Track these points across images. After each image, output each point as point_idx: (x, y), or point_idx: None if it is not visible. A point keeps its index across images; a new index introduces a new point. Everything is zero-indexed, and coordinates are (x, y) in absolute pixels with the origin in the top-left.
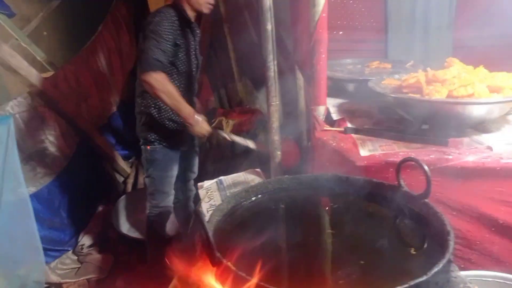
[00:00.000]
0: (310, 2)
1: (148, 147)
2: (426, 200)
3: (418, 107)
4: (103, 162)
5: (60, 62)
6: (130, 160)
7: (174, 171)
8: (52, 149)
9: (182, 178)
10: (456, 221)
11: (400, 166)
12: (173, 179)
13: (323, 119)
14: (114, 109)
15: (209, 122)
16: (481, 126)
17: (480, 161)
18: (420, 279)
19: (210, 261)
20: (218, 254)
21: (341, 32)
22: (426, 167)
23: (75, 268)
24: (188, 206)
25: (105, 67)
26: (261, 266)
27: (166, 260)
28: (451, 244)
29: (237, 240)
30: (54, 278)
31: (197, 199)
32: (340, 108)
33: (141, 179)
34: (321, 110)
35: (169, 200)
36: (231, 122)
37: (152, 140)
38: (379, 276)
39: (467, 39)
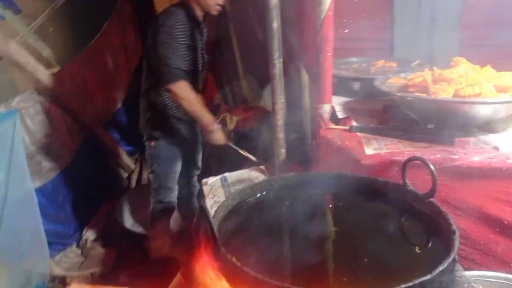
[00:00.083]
0: (316, 0)
1: (152, 143)
2: (431, 199)
3: (424, 106)
4: (108, 158)
5: (65, 58)
6: (134, 156)
7: (178, 167)
8: (57, 144)
9: (186, 174)
10: (460, 221)
11: (406, 165)
12: (177, 175)
13: (328, 118)
14: (119, 105)
15: (214, 117)
16: (487, 126)
17: (486, 161)
18: (425, 278)
19: (214, 256)
20: (223, 250)
21: (346, 31)
22: (432, 166)
23: (79, 262)
24: (191, 202)
25: (110, 64)
26: (265, 262)
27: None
28: (456, 243)
29: (242, 236)
30: (58, 271)
31: (201, 196)
32: (346, 107)
33: (145, 175)
34: (326, 108)
35: (173, 195)
36: (235, 118)
37: (157, 136)
38: (383, 274)
39: (474, 38)
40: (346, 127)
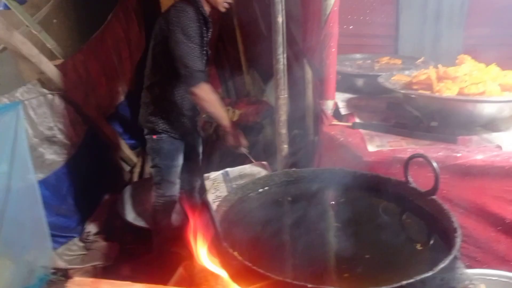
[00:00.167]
0: None
1: (154, 137)
2: (433, 196)
3: (428, 104)
4: (110, 151)
5: (69, 50)
6: (137, 150)
7: (180, 160)
8: (60, 136)
9: (187, 169)
10: (462, 219)
11: (408, 162)
12: (179, 169)
13: (331, 114)
14: (122, 98)
15: None
16: (491, 125)
17: (489, 160)
18: (426, 275)
19: (216, 250)
20: (224, 244)
21: (351, 27)
22: (434, 163)
23: (81, 254)
24: (193, 197)
25: (114, 56)
26: (266, 256)
27: (171, 249)
28: (458, 241)
29: (243, 231)
30: (61, 264)
31: (202, 190)
32: (349, 103)
33: (147, 169)
34: (329, 105)
35: (175, 189)
36: (237, 112)
37: (159, 130)
38: (385, 271)
39: (479, 36)
40: (349, 124)
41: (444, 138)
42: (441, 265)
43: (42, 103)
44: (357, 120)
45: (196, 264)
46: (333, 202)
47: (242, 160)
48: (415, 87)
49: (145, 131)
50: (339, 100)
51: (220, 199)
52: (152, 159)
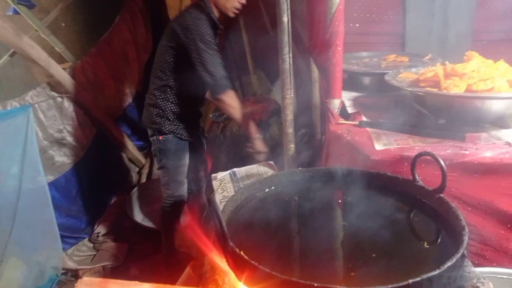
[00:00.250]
0: None
1: (161, 137)
2: (441, 194)
3: (435, 101)
4: (119, 153)
5: (77, 53)
6: (145, 151)
7: (186, 160)
8: (69, 138)
9: (193, 169)
10: (471, 216)
11: (416, 160)
12: (186, 168)
13: (338, 112)
14: (130, 100)
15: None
16: (500, 121)
17: (497, 157)
18: (433, 273)
19: (223, 250)
20: (231, 243)
21: (357, 25)
22: (441, 161)
23: (91, 255)
24: (200, 197)
25: (121, 59)
26: (273, 256)
27: (180, 249)
28: (466, 239)
29: (250, 230)
30: (71, 265)
31: (209, 190)
32: (355, 102)
33: (155, 170)
34: (336, 103)
35: (183, 189)
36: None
37: (166, 131)
38: (391, 269)
39: (488, 32)
40: (356, 122)
41: (452, 135)
42: (448, 263)
43: (52, 106)
44: (364, 118)
45: (204, 264)
46: (340, 201)
47: (249, 160)
48: (422, 84)
49: (150, 132)
50: (345, 98)
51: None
52: (159, 160)
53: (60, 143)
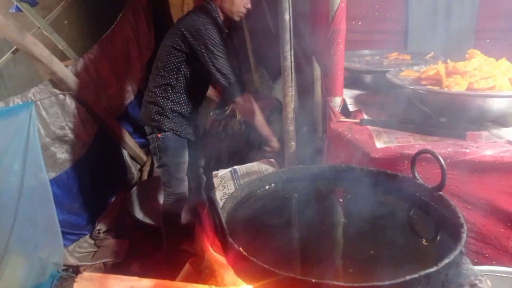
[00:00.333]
0: None
1: (160, 135)
2: (440, 192)
3: (436, 100)
4: (120, 150)
5: (80, 50)
6: (146, 148)
7: (186, 157)
8: (71, 136)
9: (192, 166)
10: (471, 215)
11: (416, 158)
12: (186, 166)
13: (339, 110)
14: (132, 97)
15: (223, 109)
16: (501, 120)
17: (498, 155)
18: (431, 270)
19: (222, 246)
20: (230, 240)
21: (360, 23)
22: (441, 159)
23: (92, 252)
24: (200, 194)
25: (123, 57)
26: (272, 252)
27: (180, 246)
28: (464, 236)
29: (250, 227)
30: (72, 261)
31: (208, 188)
32: (357, 100)
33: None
34: (337, 101)
35: (184, 186)
36: None
37: (165, 128)
38: (389, 266)
39: (491, 31)
40: (357, 120)
41: (453, 133)
42: (446, 260)
43: (54, 103)
44: (365, 116)
45: (203, 260)
46: (340, 199)
47: (250, 158)
48: (423, 82)
49: (149, 130)
50: (347, 96)
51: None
52: (158, 158)
53: (62, 140)
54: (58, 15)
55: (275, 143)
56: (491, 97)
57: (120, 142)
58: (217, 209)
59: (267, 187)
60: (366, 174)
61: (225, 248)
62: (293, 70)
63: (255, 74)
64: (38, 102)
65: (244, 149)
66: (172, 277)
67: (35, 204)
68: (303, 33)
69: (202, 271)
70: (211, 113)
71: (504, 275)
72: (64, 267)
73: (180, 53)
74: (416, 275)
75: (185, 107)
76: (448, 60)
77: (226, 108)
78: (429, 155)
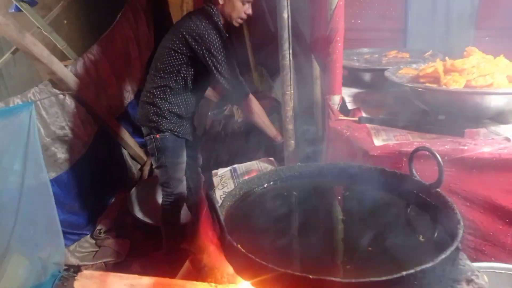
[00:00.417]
0: None
1: (158, 136)
2: (437, 189)
3: (434, 97)
4: (121, 150)
5: (79, 50)
6: (146, 148)
7: (184, 157)
8: (71, 135)
9: (190, 166)
10: (469, 212)
11: (413, 155)
12: (184, 166)
13: (338, 109)
14: (132, 97)
15: (221, 109)
16: (499, 117)
17: (496, 152)
18: (427, 265)
19: (221, 243)
20: (228, 237)
21: (359, 21)
22: (438, 156)
23: (93, 251)
24: (198, 194)
25: (123, 56)
26: (270, 249)
27: (180, 246)
28: (460, 232)
29: (248, 225)
30: (73, 261)
31: (207, 186)
32: (356, 98)
33: None
34: (336, 100)
35: (183, 186)
36: None
37: (163, 129)
38: (387, 262)
39: (491, 28)
40: (356, 118)
41: (451, 131)
42: (442, 256)
43: (54, 103)
44: (364, 114)
45: (202, 258)
46: (338, 196)
47: (249, 157)
48: (422, 80)
49: (146, 131)
50: (345, 94)
51: None
52: (156, 159)
53: (62, 140)
54: (58, 14)
55: (280, 141)
56: (489, 95)
57: (120, 141)
58: (216, 207)
59: (265, 185)
60: (364, 172)
61: (223, 245)
62: (292, 69)
63: (254, 73)
64: (38, 102)
65: (244, 148)
66: (172, 276)
67: (36, 204)
68: (302, 31)
69: (202, 269)
70: (209, 113)
71: (503, 271)
72: (66, 267)
73: (181, 56)
74: (412, 271)
75: (183, 108)
76: (446, 58)
77: (224, 108)
78: (426, 152)
